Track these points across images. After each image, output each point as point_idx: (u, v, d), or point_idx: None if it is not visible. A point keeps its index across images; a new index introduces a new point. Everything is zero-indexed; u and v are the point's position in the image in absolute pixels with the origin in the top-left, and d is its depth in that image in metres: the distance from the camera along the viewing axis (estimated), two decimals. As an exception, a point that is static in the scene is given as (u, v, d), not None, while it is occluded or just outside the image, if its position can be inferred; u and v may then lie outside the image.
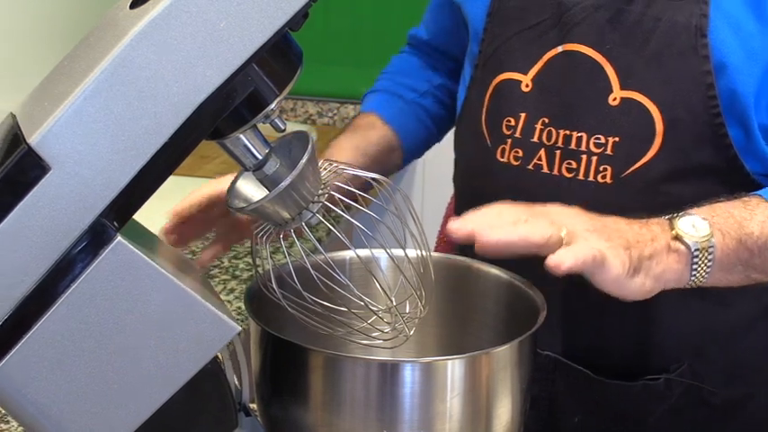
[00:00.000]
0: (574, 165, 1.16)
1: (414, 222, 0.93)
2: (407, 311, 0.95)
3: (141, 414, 0.81)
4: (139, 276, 0.78)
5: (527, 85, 1.20)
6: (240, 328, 0.83)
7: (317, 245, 0.89)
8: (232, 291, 1.61)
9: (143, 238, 0.84)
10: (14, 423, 1.15)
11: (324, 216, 0.88)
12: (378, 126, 1.38)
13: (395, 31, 2.66)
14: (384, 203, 0.92)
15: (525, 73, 1.20)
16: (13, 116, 0.80)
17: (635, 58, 1.14)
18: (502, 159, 1.21)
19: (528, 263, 1.01)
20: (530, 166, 1.19)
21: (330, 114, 2.75)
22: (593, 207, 1.13)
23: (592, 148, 1.15)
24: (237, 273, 1.68)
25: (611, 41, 1.15)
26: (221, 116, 0.78)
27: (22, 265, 0.76)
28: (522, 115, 1.19)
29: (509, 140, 1.20)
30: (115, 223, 0.77)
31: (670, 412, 1.19)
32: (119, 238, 0.77)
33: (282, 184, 0.83)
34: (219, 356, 0.85)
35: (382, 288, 0.95)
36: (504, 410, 0.93)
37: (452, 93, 1.43)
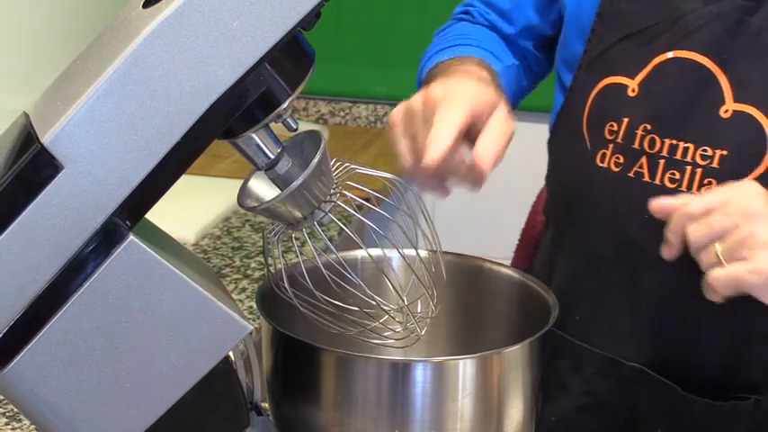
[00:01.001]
0: (677, 175, 1.13)
1: (425, 222, 0.93)
2: (419, 311, 0.95)
3: (153, 413, 0.82)
4: (152, 275, 0.79)
5: (633, 90, 1.17)
6: (252, 328, 0.83)
7: (329, 244, 0.89)
8: (244, 290, 1.61)
9: (155, 237, 0.84)
10: (27, 422, 1.15)
11: (336, 215, 0.88)
12: (494, 73, 1.23)
13: (407, 30, 2.67)
14: (396, 203, 0.92)
15: (632, 77, 1.17)
16: (27, 115, 0.80)
17: (752, 70, 1.12)
18: (601, 164, 1.18)
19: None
20: (630, 174, 1.16)
21: (342, 114, 2.75)
22: None
23: (698, 159, 1.13)
24: (249, 272, 1.68)
25: (727, 52, 1.12)
26: (234, 115, 0.78)
27: (35, 264, 0.76)
28: (625, 120, 1.17)
29: (611, 145, 1.18)
30: (128, 222, 0.77)
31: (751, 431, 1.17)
32: (131, 237, 0.78)
33: (294, 183, 0.83)
34: (231, 356, 0.86)
35: (394, 287, 0.95)
36: (516, 410, 0.93)
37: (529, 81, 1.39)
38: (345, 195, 0.89)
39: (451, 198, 1.98)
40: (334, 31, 2.66)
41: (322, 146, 0.84)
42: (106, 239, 0.77)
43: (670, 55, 1.15)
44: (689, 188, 1.13)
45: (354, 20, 2.68)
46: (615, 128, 1.18)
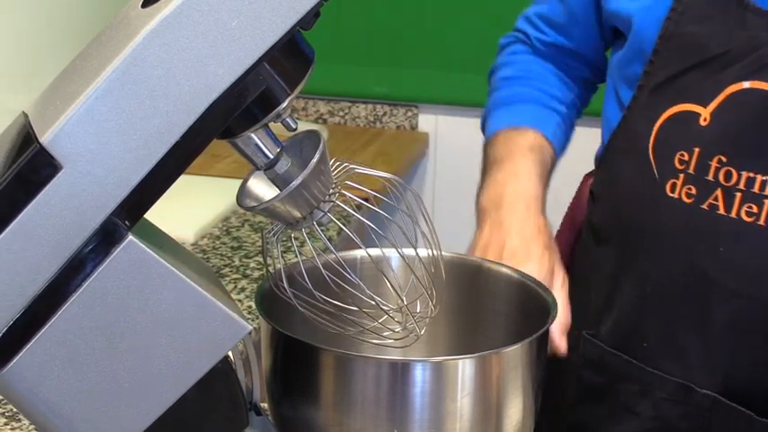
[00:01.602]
0: (755, 209, 1.11)
1: (425, 221, 0.93)
2: (418, 311, 0.95)
3: (152, 413, 0.82)
4: (151, 275, 0.79)
5: (705, 119, 1.14)
6: (251, 327, 0.83)
7: (328, 244, 0.89)
8: (243, 290, 1.61)
9: (154, 236, 0.84)
10: (26, 422, 1.15)
11: (335, 215, 0.87)
12: (545, 147, 1.31)
13: (407, 30, 2.67)
14: (395, 202, 0.92)
15: (705, 106, 1.14)
16: (25, 115, 0.80)
17: None
18: (672, 194, 1.16)
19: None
20: (704, 206, 1.14)
21: (341, 114, 2.75)
22: None
23: None
24: (248, 272, 1.68)
25: None
26: (233, 115, 0.78)
27: (34, 264, 0.76)
28: (696, 150, 1.14)
29: (681, 175, 1.15)
30: (127, 222, 0.77)
31: None
32: (130, 236, 0.78)
33: (294, 183, 0.83)
34: (230, 356, 0.85)
35: (393, 287, 0.95)
36: (515, 410, 0.93)
37: (584, 101, 1.38)
38: (344, 195, 0.89)
39: (451, 198, 1.99)
40: (334, 30, 2.67)
41: (321, 145, 0.84)
42: (105, 239, 0.77)
43: (746, 85, 1.12)
44: (767, 222, 1.11)
45: (354, 20, 2.68)
46: (686, 157, 1.15)
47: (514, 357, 0.92)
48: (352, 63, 2.70)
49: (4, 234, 0.75)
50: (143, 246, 0.78)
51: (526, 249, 1.14)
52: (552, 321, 0.95)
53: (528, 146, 1.29)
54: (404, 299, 0.92)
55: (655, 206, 1.18)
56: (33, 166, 0.75)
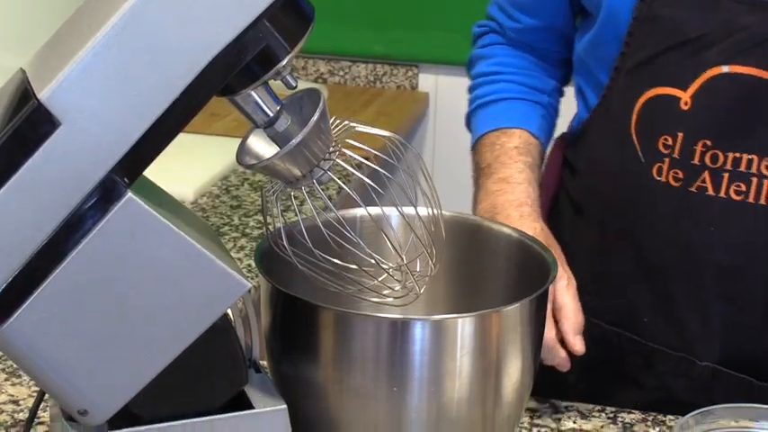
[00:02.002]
0: (743, 187, 1.13)
1: (425, 180, 0.93)
2: (418, 269, 0.95)
3: (151, 370, 0.82)
4: (150, 232, 0.78)
5: (686, 103, 1.14)
6: (250, 285, 0.83)
7: (328, 203, 0.89)
8: (242, 248, 1.61)
9: (154, 194, 0.84)
10: (26, 378, 1.16)
11: (335, 174, 0.87)
12: (532, 145, 1.31)
13: (407, -12, 2.65)
14: (395, 161, 0.92)
15: (684, 89, 1.15)
16: (23, 71, 0.80)
17: None
18: (659, 178, 1.17)
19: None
20: (692, 189, 1.15)
21: (341, 73, 2.74)
22: (763, 230, 1.13)
23: (763, 170, 1.12)
24: (248, 230, 1.68)
25: None
26: (232, 72, 0.78)
27: (33, 221, 0.76)
28: (680, 135, 1.15)
29: (666, 159, 1.16)
30: (125, 179, 0.77)
31: None
32: (129, 194, 0.77)
33: (294, 141, 0.83)
34: (230, 314, 0.86)
35: (393, 246, 0.95)
36: (515, 369, 0.93)
37: (566, 81, 1.37)
38: (345, 154, 0.89)
39: (451, 157, 1.99)
40: (334, -12, 2.65)
41: (321, 103, 0.84)
42: (104, 196, 0.77)
43: (725, 69, 1.12)
44: (756, 199, 1.13)
45: (355, -22, 2.66)
46: (670, 142, 1.15)
47: (514, 316, 0.92)
48: (352, 22, 2.68)
49: (2, 191, 0.75)
50: (142, 203, 0.78)
51: None
52: (552, 281, 0.95)
53: (515, 148, 1.29)
54: (403, 257, 0.92)
55: (642, 189, 1.19)
56: (31, 122, 0.74)
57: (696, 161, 1.14)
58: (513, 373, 0.93)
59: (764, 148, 1.12)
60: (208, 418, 0.85)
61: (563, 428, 1.11)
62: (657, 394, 1.24)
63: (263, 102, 0.84)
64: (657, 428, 1.11)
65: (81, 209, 0.76)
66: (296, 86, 0.84)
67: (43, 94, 0.74)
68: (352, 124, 0.91)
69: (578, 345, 1.08)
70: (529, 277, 0.99)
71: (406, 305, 0.93)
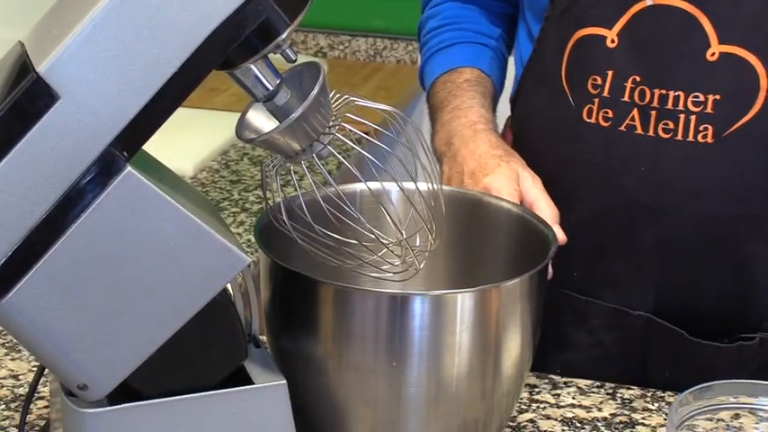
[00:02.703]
0: (671, 125, 1.13)
1: (425, 155, 0.93)
2: (418, 245, 0.95)
3: (151, 345, 0.82)
4: (149, 207, 0.78)
5: (612, 41, 1.15)
6: (250, 260, 0.83)
7: (328, 177, 0.89)
8: (242, 223, 1.61)
9: (153, 168, 0.83)
10: (26, 352, 1.16)
11: (335, 148, 0.87)
12: (483, 78, 1.31)
13: (407, -38, 2.64)
14: (395, 136, 0.92)
15: (610, 28, 1.15)
16: (22, 44, 0.79)
17: (734, 10, 1.10)
18: (589, 120, 1.17)
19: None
20: (622, 127, 1.15)
21: (341, 47, 2.73)
22: (692, 168, 1.13)
23: (690, 106, 1.12)
24: (247, 205, 1.68)
25: None
26: (232, 45, 0.77)
27: (32, 195, 0.76)
28: (609, 73, 1.15)
29: (596, 100, 1.16)
30: (125, 153, 0.77)
31: (761, 371, 1.17)
32: (128, 168, 0.77)
33: (293, 115, 0.82)
34: (229, 289, 0.85)
35: (393, 221, 0.95)
36: (514, 345, 0.93)
37: (511, 37, 1.38)
38: (344, 128, 0.88)
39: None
40: (334, -38, 2.64)
41: (321, 77, 0.83)
42: (103, 170, 0.76)
43: (649, 2, 1.13)
44: (684, 136, 1.13)
45: (354, -48, 2.65)
46: (599, 81, 1.16)
47: (514, 291, 0.92)
48: (352, -4, 2.67)
49: (1, 165, 0.75)
50: (141, 177, 0.78)
51: (483, 167, 1.14)
52: (552, 256, 0.95)
53: (466, 81, 1.30)
54: (403, 232, 0.92)
55: (574, 134, 1.19)
56: (30, 95, 0.74)
57: (626, 98, 1.14)
58: (513, 348, 0.93)
59: (691, 83, 1.12)
60: (207, 393, 0.85)
61: (562, 404, 1.11)
62: (591, 353, 1.24)
63: (263, 75, 0.83)
64: (656, 404, 1.12)
65: (80, 183, 0.76)
66: (296, 60, 0.84)
67: (42, 68, 0.74)
68: (351, 98, 0.91)
69: (560, 234, 1.06)
70: (529, 252, 0.98)
71: (406, 280, 0.93)
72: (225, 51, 0.78)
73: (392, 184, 1.01)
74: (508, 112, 1.41)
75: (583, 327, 1.24)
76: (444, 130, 1.24)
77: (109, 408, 0.83)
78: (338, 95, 0.91)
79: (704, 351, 1.19)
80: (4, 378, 1.12)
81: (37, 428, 1.03)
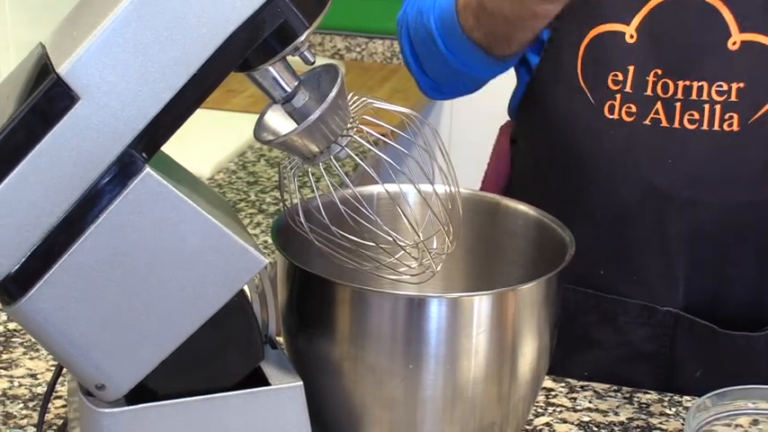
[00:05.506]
0: (696, 116, 1.13)
1: (442, 157, 0.92)
2: (435, 247, 0.95)
3: (168, 346, 0.82)
4: (167, 208, 0.78)
5: (632, 36, 1.15)
6: (267, 261, 0.83)
7: (345, 179, 0.89)
8: (258, 224, 1.61)
9: (171, 169, 0.84)
10: (44, 352, 1.16)
11: (352, 150, 0.87)
12: None
13: (425, -36, 2.64)
14: (412, 138, 0.92)
15: (627, 23, 1.15)
16: (42, 46, 0.80)
17: None
18: (611, 116, 1.17)
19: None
20: (646, 121, 1.15)
21: (358, 49, 2.73)
22: (719, 157, 1.13)
23: (714, 96, 1.12)
24: (264, 207, 1.68)
25: None
26: (251, 47, 0.78)
27: (51, 196, 0.76)
28: (631, 68, 1.15)
29: (618, 96, 1.16)
30: (144, 154, 0.77)
31: None
32: (147, 169, 0.77)
33: (311, 117, 0.82)
34: (246, 290, 0.86)
35: (410, 223, 0.95)
36: (531, 348, 0.93)
37: None
38: (362, 130, 0.89)
39: (468, 134, 1.96)
40: (352, -35, 2.64)
41: (339, 79, 0.84)
42: (122, 171, 0.77)
43: None
44: (710, 126, 1.13)
45: (372, -46, 2.65)
46: (620, 77, 1.16)
47: (531, 295, 0.92)
48: (369, -2, 2.67)
49: (21, 166, 0.75)
50: (160, 178, 0.78)
51: None
52: (569, 259, 0.95)
53: None
54: (420, 235, 0.92)
55: (595, 131, 1.18)
56: (50, 97, 0.74)
57: (649, 92, 1.14)
58: (530, 351, 0.93)
59: (714, 73, 1.13)
60: (224, 394, 0.85)
61: (578, 408, 1.11)
62: (619, 352, 1.23)
63: (281, 77, 0.83)
64: (674, 409, 1.11)
65: (99, 184, 0.76)
66: (314, 62, 0.84)
67: (62, 69, 0.74)
68: (369, 100, 0.91)
69: None
70: (546, 256, 0.98)
71: (423, 282, 0.93)
72: (244, 53, 0.78)
73: (409, 186, 1.01)
74: (502, 120, 1.41)
75: (609, 325, 1.23)
76: None
77: (126, 408, 0.83)
78: (356, 97, 0.91)
79: (735, 343, 1.18)
80: (22, 377, 1.12)
81: (54, 428, 1.04)
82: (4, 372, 1.13)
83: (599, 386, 1.15)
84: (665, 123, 1.15)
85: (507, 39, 1.17)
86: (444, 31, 1.22)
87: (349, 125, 0.87)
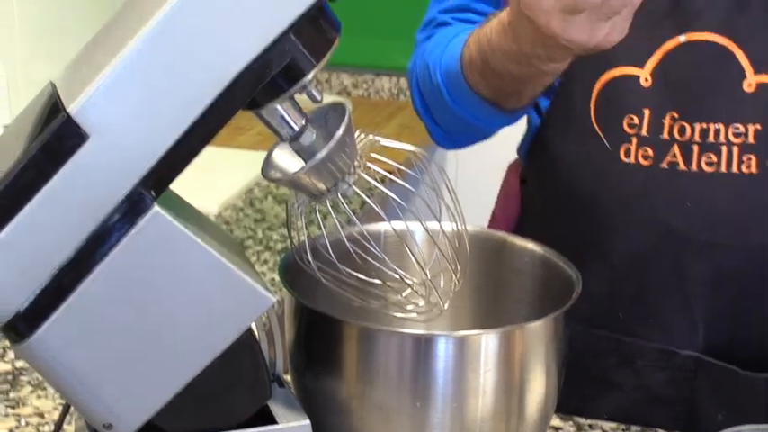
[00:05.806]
0: (714, 158, 1.13)
1: (449, 195, 0.93)
2: (442, 285, 0.95)
3: (175, 384, 0.82)
4: (176, 246, 0.79)
5: (646, 80, 1.15)
6: (275, 299, 0.83)
7: (353, 216, 0.89)
8: (266, 262, 1.61)
9: (179, 207, 0.84)
10: (51, 390, 1.16)
11: (359, 188, 0.87)
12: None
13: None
14: (419, 175, 0.92)
15: (641, 66, 1.15)
16: (53, 85, 0.80)
17: (767, 41, 1.11)
18: (627, 160, 1.16)
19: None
20: (663, 165, 1.15)
21: (365, 86, 2.74)
22: (738, 199, 1.13)
23: (731, 138, 1.12)
24: (271, 244, 1.68)
25: (739, 25, 1.12)
26: (259, 86, 0.78)
27: (60, 234, 0.76)
28: (647, 112, 1.15)
29: (634, 139, 1.16)
30: (152, 192, 0.77)
31: None
32: (156, 207, 0.78)
33: (319, 155, 0.83)
34: (254, 328, 0.86)
35: (417, 261, 0.95)
36: (539, 386, 0.93)
37: None
38: (369, 168, 0.89)
39: (474, 172, 1.96)
40: (358, 2, 2.65)
41: (346, 117, 0.84)
42: (131, 209, 0.77)
43: (682, 39, 1.13)
44: (728, 168, 1.13)
45: (379, -9, 2.67)
46: (636, 121, 1.15)
47: (538, 332, 0.92)
48: (376, 35, 2.69)
49: (30, 204, 0.75)
50: (168, 216, 0.78)
51: None
52: (576, 297, 0.94)
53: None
54: (427, 273, 0.92)
55: (610, 175, 1.18)
56: (60, 135, 0.75)
57: (666, 135, 1.14)
58: (537, 390, 0.93)
59: (730, 115, 1.12)
60: None
61: (586, 445, 1.10)
62: (637, 395, 1.21)
63: (289, 115, 0.84)
64: (684, 447, 1.11)
65: (108, 222, 0.77)
66: (321, 100, 0.84)
67: (72, 108, 0.75)
68: (376, 138, 0.91)
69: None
70: (552, 293, 0.98)
71: (430, 320, 0.93)
72: (252, 91, 0.78)
73: (416, 223, 1.01)
74: (509, 157, 1.41)
75: (628, 368, 1.22)
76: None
77: (133, 446, 0.83)
78: (362, 135, 0.91)
79: (756, 385, 1.17)
80: (29, 416, 1.12)
81: (61, 466, 1.03)
82: (11, 410, 1.13)
83: (607, 425, 1.14)
84: (682, 167, 1.14)
85: (517, 94, 1.17)
86: (451, 87, 1.23)
87: (356, 163, 0.87)
